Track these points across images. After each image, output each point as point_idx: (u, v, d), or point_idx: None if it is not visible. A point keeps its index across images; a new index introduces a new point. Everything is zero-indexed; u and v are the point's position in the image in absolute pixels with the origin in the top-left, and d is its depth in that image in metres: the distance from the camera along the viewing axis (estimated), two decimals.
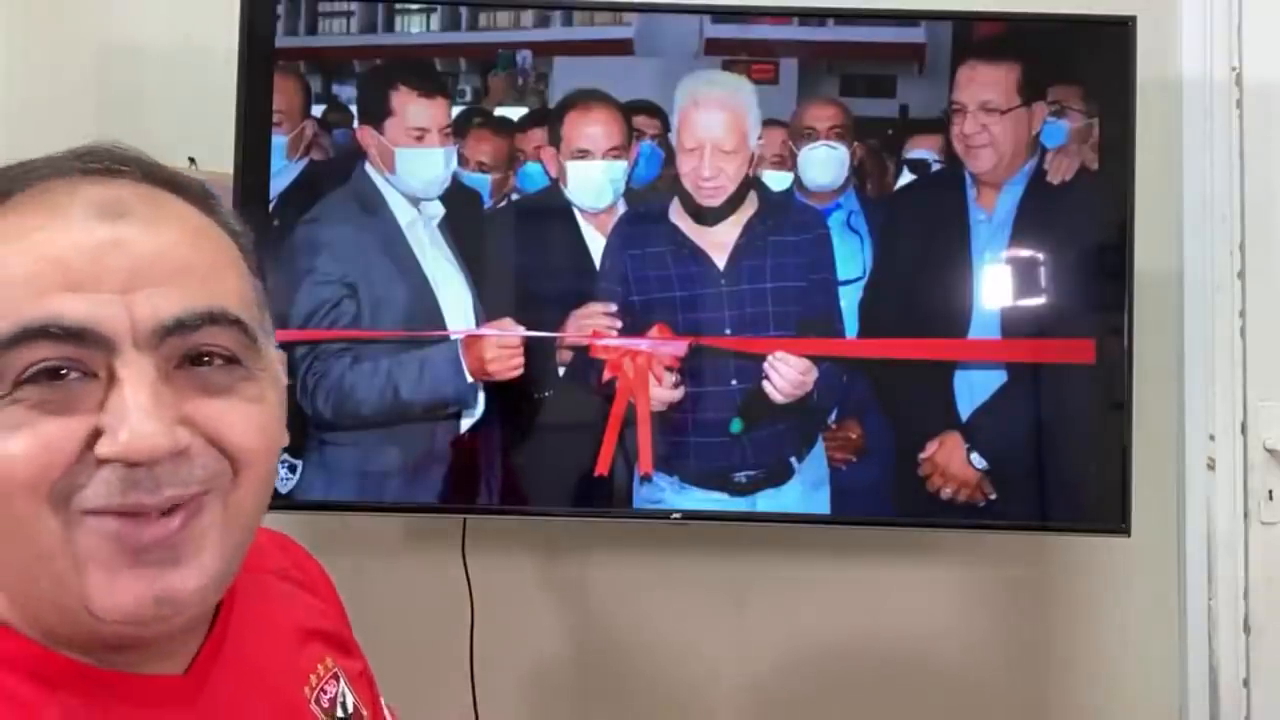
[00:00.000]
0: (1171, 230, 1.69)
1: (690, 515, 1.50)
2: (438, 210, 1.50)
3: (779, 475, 1.51)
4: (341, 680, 0.77)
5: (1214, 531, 1.66)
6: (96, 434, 0.53)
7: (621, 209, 1.51)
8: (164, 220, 0.58)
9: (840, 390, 1.51)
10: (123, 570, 0.53)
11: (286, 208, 1.49)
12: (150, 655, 0.59)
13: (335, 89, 1.51)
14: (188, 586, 0.54)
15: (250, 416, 0.58)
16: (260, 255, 0.66)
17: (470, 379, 1.49)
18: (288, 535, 0.86)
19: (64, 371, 0.53)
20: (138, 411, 0.53)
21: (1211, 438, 1.66)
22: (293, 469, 1.48)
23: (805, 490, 1.51)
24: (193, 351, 0.56)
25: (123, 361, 0.53)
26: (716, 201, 1.50)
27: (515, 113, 1.51)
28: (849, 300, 1.50)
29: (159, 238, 0.57)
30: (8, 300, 0.53)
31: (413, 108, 1.50)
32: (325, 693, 0.74)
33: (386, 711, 0.84)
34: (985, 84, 1.50)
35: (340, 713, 0.75)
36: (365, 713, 0.78)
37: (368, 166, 1.50)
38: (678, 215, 1.51)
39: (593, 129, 1.50)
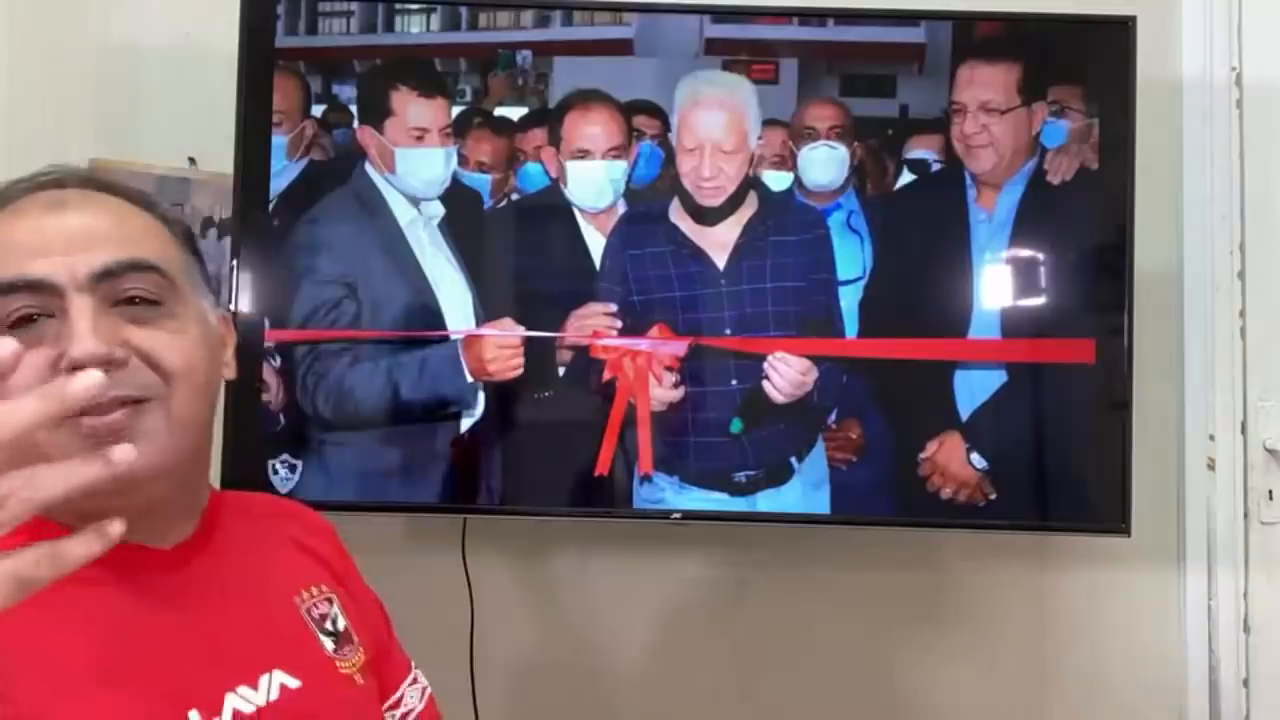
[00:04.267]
0: (1171, 230, 1.69)
1: (690, 515, 1.50)
2: (438, 210, 1.50)
3: (779, 475, 1.51)
4: (335, 604, 0.91)
5: (1214, 531, 1.66)
6: (61, 355, 0.73)
7: (621, 209, 1.51)
8: (95, 208, 0.81)
9: (840, 390, 1.51)
10: (90, 452, 0.65)
11: (286, 208, 1.49)
12: (144, 533, 0.78)
13: (335, 89, 1.51)
14: (138, 462, 0.64)
15: (171, 342, 0.78)
16: (194, 241, 0.88)
17: (470, 379, 1.49)
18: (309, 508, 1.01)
19: (35, 317, 0.75)
20: (81, 333, 0.74)
21: (1211, 438, 1.66)
22: (293, 469, 1.48)
23: (805, 490, 1.51)
24: (123, 293, 0.77)
25: (69, 302, 0.75)
26: (716, 201, 1.50)
27: (515, 113, 1.51)
28: (849, 300, 1.50)
29: (90, 218, 0.80)
30: None
31: (413, 108, 1.50)
32: (317, 608, 0.90)
33: (416, 683, 1.00)
34: (985, 84, 1.50)
35: (330, 627, 0.89)
36: (357, 639, 0.91)
37: (368, 166, 1.50)
38: (678, 215, 1.51)
39: (593, 129, 1.50)
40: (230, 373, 0.88)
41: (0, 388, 0.60)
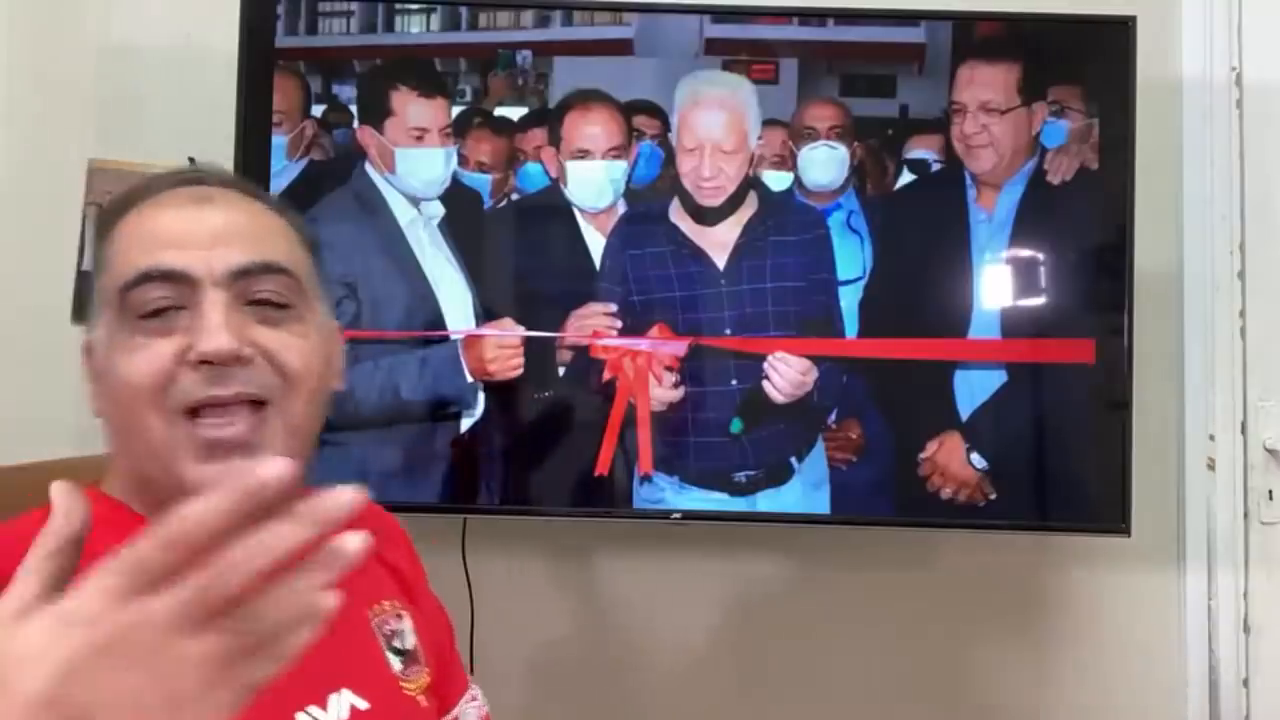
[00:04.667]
0: (1171, 230, 1.69)
1: (690, 515, 1.50)
2: (438, 210, 1.50)
3: (779, 475, 1.51)
4: (405, 620, 0.89)
5: (1214, 531, 1.66)
6: (189, 348, 0.74)
7: (621, 209, 1.51)
8: (236, 207, 0.82)
9: (840, 390, 1.51)
10: (207, 459, 0.74)
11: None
12: None
13: (335, 89, 1.51)
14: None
15: (294, 345, 0.78)
16: (318, 248, 0.89)
17: (470, 379, 1.49)
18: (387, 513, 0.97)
19: (168, 308, 0.76)
20: (213, 326, 0.74)
21: (1211, 437, 1.66)
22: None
23: (805, 490, 1.51)
24: (255, 293, 0.78)
25: (204, 295, 0.76)
26: (716, 201, 1.50)
27: (515, 113, 1.51)
28: (849, 300, 1.50)
29: (232, 216, 0.81)
30: (134, 257, 0.78)
31: (413, 107, 1.50)
32: (388, 624, 0.88)
33: (474, 700, 0.98)
34: (985, 84, 1.50)
35: (399, 645, 0.88)
36: (423, 658, 0.89)
37: (368, 166, 1.50)
38: (678, 215, 1.51)
39: (593, 129, 1.50)
40: (339, 383, 0.87)
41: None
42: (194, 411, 0.75)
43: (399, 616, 0.89)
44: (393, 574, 0.92)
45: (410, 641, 0.89)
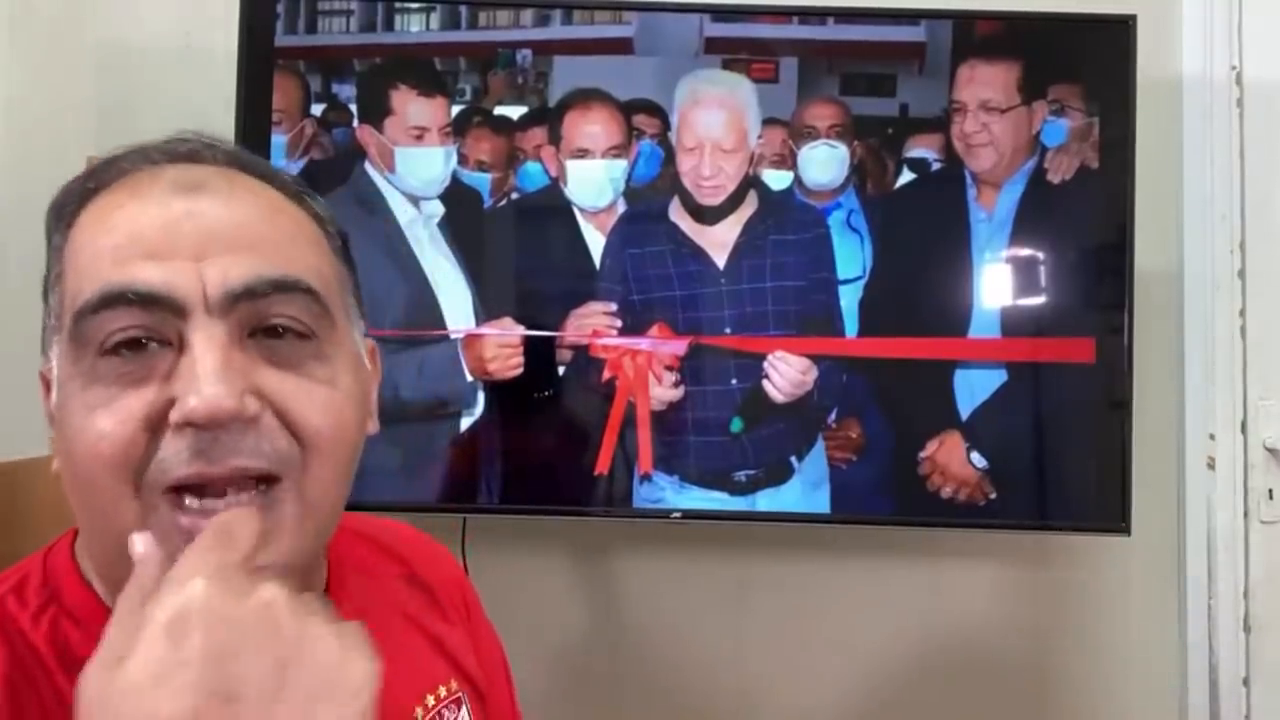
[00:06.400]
0: (1171, 230, 1.69)
1: (690, 514, 1.50)
2: (437, 209, 1.50)
3: (779, 474, 1.51)
4: (464, 706, 0.74)
5: (1214, 531, 1.66)
6: (171, 403, 0.54)
7: (621, 208, 1.51)
8: (239, 195, 0.60)
9: (840, 389, 1.51)
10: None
11: None
12: None
13: (335, 88, 1.51)
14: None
15: (317, 396, 0.58)
16: (349, 246, 0.68)
17: (470, 378, 1.49)
18: (435, 543, 0.85)
19: (142, 341, 0.55)
20: (205, 374, 0.54)
21: (1211, 437, 1.66)
22: None
23: (805, 489, 1.51)
24: (264, 321, 0.57)
25: (194, 326, 0.55)
26: (716, 200, 1.50)
27: (515, 112, 1.51)
28: (849, 299, 1.50)
29: (233, 210, 0.59)
30: (94, 271, 0.56)
31: (412, 107, 1.50)
32: (442, 716, 0.72)
33: None
34: (985, 83, 1.50)
35: None
36: None
37: (367, 165, 1.50)
38: (678, 214, 1.51)
39: (592, 128, 1.50)
40: (374, 426, 0.66)
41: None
42: (180, 488, 0.55)
43: (457, 703, 0.74)
44: (448, 657, 0.76)
45: None
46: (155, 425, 0.54)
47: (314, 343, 0.59)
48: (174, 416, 0.54)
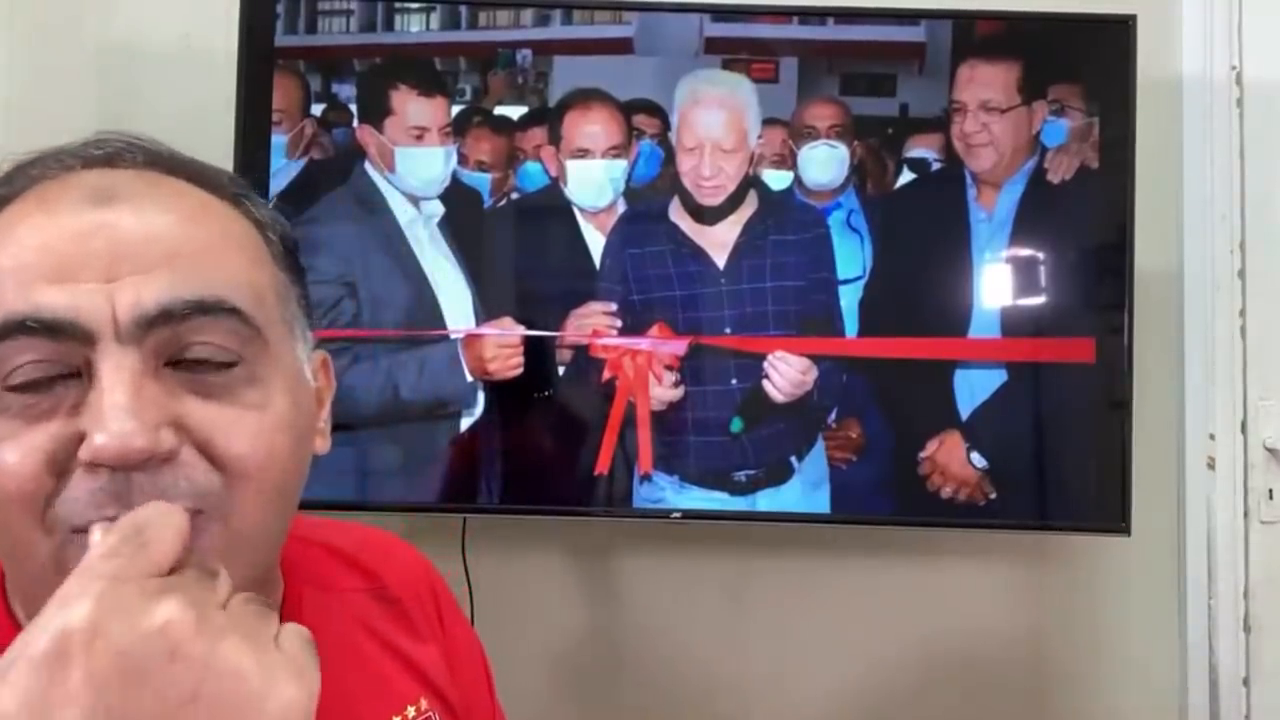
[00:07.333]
0: (1171, 230, 1.69)
1: (690, 515, 1.50)
2: (437, 209, 1.50)
3: (779, 474, 1.51)
4: None
5: (1214, 531, 1.66)
6: (80, 438, 0.50)
7: (621, 208, 1.51)
8: (158, 202, 0.55)
9: (840, 389, 1.51)
10: None
11: (286, 207, 1.49)
12: None
13: (335, 88, 1.51)
14: None
15: (245, 424, 0.53)
16: (295, 249, 0.62)
17: (470, 378, 1.49)
18: (407, 549, 0.81)
19: (49, 377, 0.51)
20: (114, 409, 0.49)
21: (1211, 437, 1.66)
22: None
23: (805, 489, 1.51)
24: (184, 347, 0.53)
25: (102, 355, 0.51)
26: (716, 200, 1.50)
27: (515, 112, 1.51)
28: (849, 299, 1.50)
29: (150, 221, 0.54)
30: None
31: (412, 106, 1.50)
32: None
33: None
34: (985, 83, 1.50)
35: None
36: None
37: (367, 165, 1.50)
38: (677, 214, 1.51)
39: (592, 128, 1.50)
40: (324, 445, 0.62)
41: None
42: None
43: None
44: (409, 662, 0.73)
45: None
46: (62, 461, 0.50)
47: (242, 366, 0.54)
48: (83, 455, 0.50)
